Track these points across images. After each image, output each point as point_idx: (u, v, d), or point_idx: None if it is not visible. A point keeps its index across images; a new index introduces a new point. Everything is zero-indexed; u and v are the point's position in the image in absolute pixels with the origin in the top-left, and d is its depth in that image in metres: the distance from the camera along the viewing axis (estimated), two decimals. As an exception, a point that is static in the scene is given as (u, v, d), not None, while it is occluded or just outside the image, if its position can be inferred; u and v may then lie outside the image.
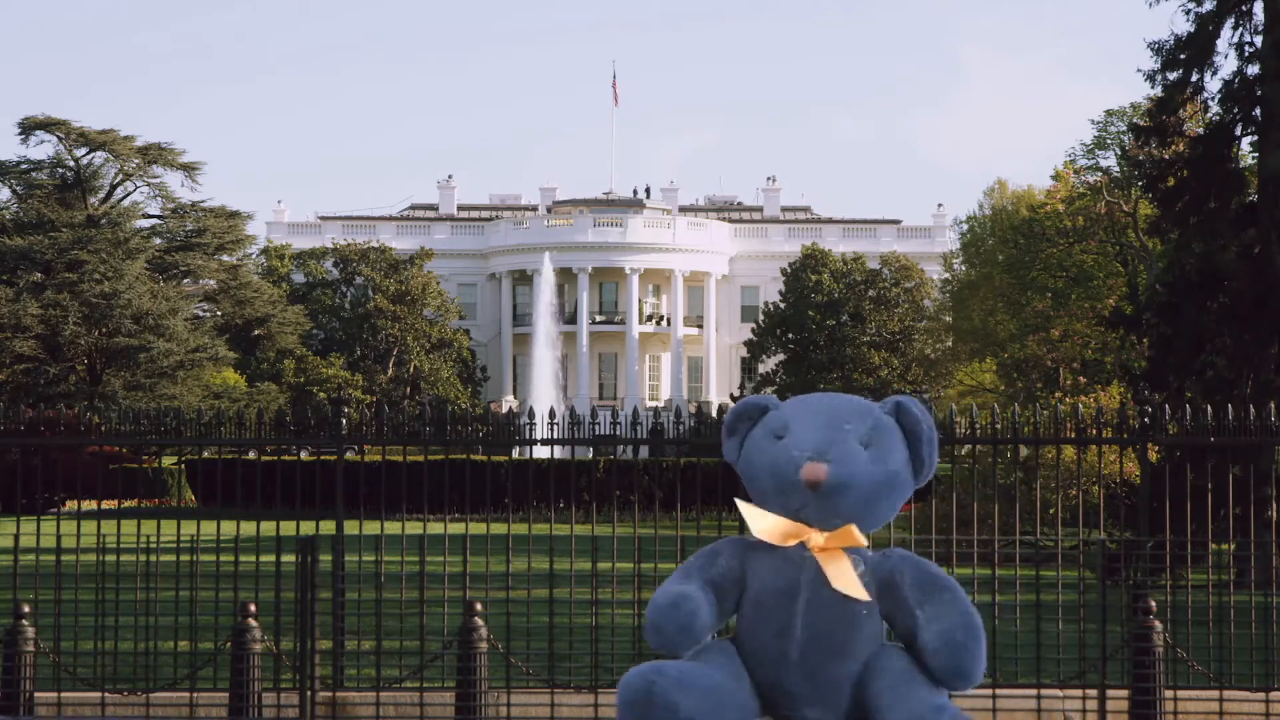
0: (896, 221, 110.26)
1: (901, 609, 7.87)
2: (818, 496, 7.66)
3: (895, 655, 7.88)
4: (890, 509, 7.92)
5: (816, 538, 7.72)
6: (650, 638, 7.80)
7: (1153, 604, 15.14)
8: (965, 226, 74.56)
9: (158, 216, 76.10)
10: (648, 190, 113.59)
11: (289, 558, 15.68)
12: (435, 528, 18.89)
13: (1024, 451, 30.39)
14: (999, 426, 16.07)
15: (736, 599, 7.89)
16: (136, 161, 73.27)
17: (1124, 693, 15.20)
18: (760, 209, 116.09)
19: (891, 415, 7.94)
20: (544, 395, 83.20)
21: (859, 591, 7.72)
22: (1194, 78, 34.98)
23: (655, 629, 7.76)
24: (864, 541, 7.81)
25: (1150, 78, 35.54)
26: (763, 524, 7.81)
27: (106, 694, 15.55)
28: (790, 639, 7.73)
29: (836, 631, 7.73)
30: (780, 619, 7.76)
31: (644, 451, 30.34)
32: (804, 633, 7.73)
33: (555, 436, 15.92)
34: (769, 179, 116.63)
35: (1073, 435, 16.24)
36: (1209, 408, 15.77)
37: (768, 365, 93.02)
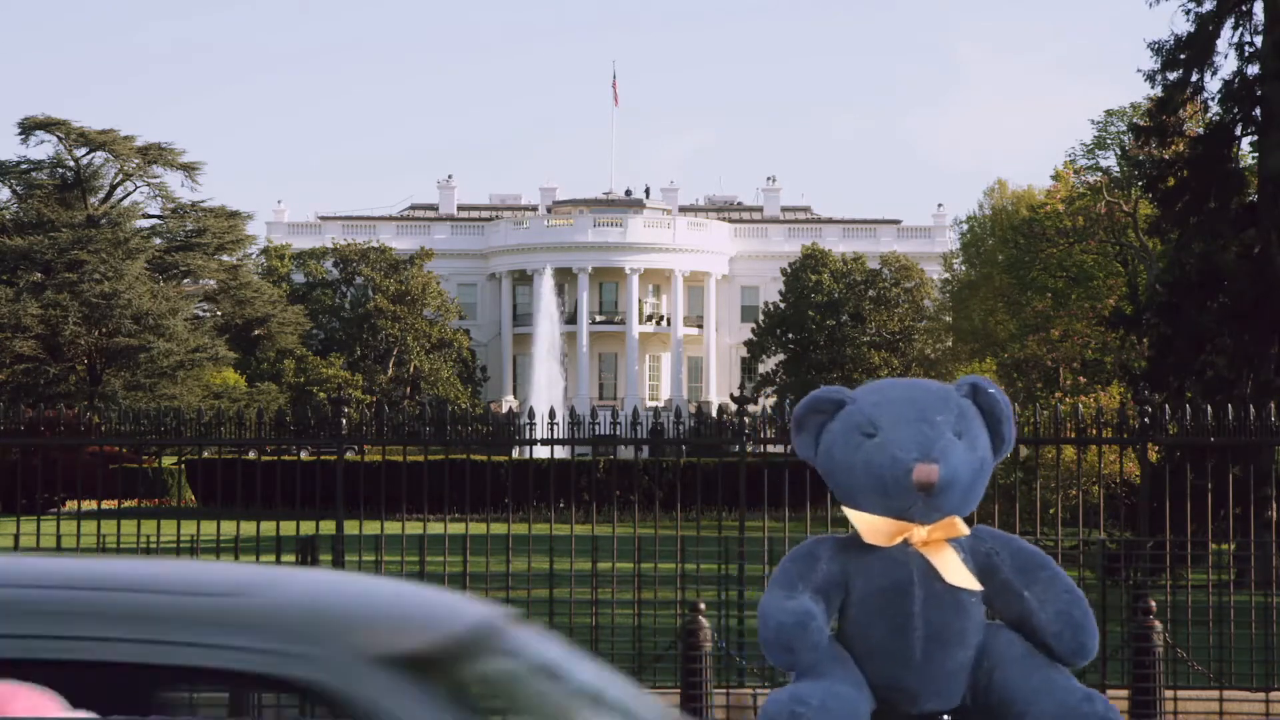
0: (896, 221, 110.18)
1: (1006, 591, 7.87)
2: (927, 496, 7.64)
3: (1006, 637, 7.89)
4: (982, 492, 7.93)
5: (919, 532, 7.71)
6: (775, 656, 7.68)
7: (1153, 604, 15.13)
8: (965, 226, 74.55)
9: (158, 216, 76.14)
10: (647, 190, 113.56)
11: (289, 558, 15.68)
12: (435, 528, 18.89)
13: (1024, 451, 30.38)
14: (999, 426, 16.06)
15: (840, 602, 7.86)
16: (136, 161, 73.26)
17: (1124, 693, 15.18)
18: (760, 209, 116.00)
19: (969, 398, 7.91)
20: (544, 395, 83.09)
21: (971, 582, 7.75)
22: (1194, 78, 35.01)
23: (786, 648, 7.60)
24: (965, 531, 7.81)
25: (1150, 78, 35.58)
26: (867, 525, 7.77)
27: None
28: (911, 636, 7.73)
29: (953, 623, 7.75)
30: (896, 618, 7.74)
31: (644, 451, 30.25)
32: (923, 629, 7.73)
33: (555, 436, 15.92)
34: (769, 179, 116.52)
35: (1073, 435, 16.24)
36: (1209, 408, 15.77)
37: (768, 365, 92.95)
